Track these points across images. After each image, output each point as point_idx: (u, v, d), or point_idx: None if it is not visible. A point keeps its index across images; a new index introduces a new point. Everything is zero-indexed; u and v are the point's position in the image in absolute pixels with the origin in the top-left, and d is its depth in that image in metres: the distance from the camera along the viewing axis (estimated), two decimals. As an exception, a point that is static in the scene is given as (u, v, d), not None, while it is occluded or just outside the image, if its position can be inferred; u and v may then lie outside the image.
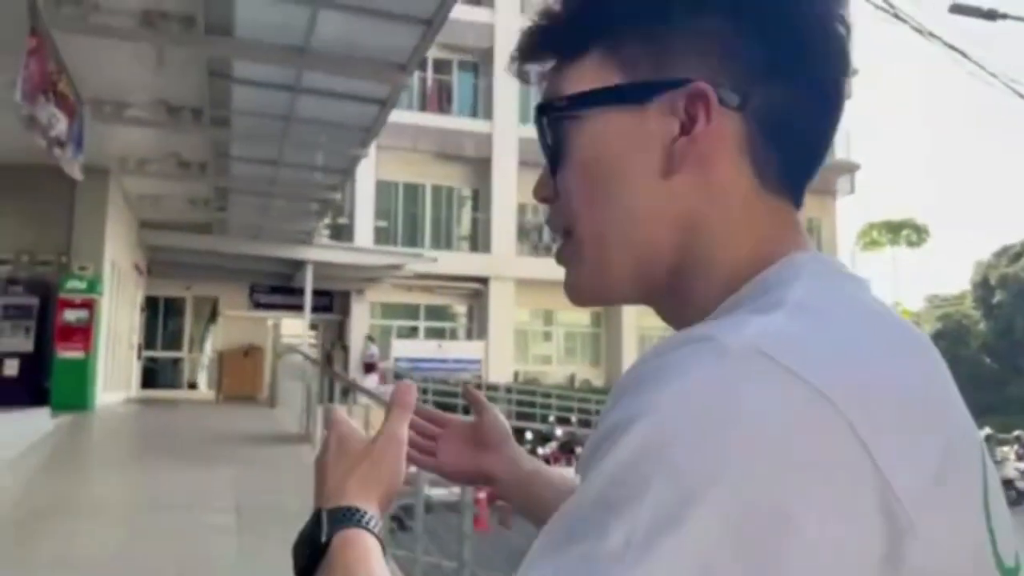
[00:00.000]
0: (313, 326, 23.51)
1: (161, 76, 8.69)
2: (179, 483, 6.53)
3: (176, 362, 23.01)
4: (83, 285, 11.68)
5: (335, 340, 24.58)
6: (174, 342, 23.00)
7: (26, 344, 11.30)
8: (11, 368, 11.06)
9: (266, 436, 9.75)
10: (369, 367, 22.07)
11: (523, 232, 26.80)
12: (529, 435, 17.62)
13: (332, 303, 24.15)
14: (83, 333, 11.51)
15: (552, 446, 16.82)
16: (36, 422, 8.15)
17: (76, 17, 7.07)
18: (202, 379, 23.37)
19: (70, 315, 11.50)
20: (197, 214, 15.63)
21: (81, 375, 11.43)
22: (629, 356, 26.48)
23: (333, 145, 10.67)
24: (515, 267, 25.81)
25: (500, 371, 24.56)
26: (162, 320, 22.50)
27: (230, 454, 8.10)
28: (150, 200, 14.76)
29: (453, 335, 26.39)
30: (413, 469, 0.87)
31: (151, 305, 20.97)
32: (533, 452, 16.24)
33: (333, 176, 12.50)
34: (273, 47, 7.53)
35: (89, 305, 11.60)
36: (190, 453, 8.08)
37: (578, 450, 16.47)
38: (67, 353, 11.32)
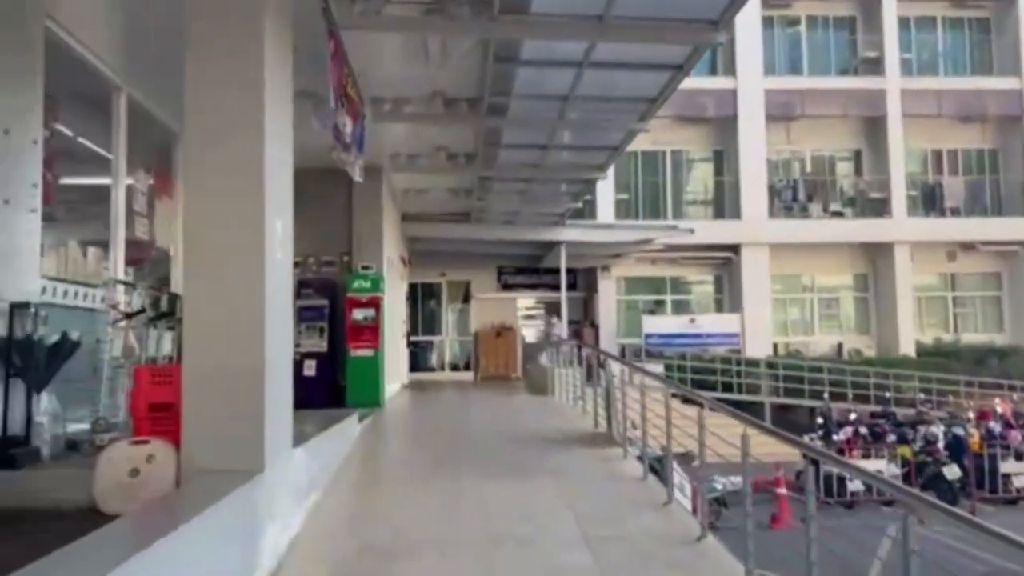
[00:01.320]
0: (546, 304, 23.32)
1: (441, 69, 8.34)
2: (505, 504, 6.08)
3: (435, 345, 23.73)
4: (367, 284, 11.88)
5: (582, 318, 24.18)
6: (432, 326, 23.73)
7: (321, 344, 11.70)
8: (310, 368, 11.47)
9: (565, 436, 9.26)
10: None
11: (775, 193, 24.80)
12: (820, 420, 15.97)
13: (576, 280, 23.72)
14: (371, 331, 11.72)
15: (847, 431, 15.05)
16: (350, 428, 8.21)
17: (369, 12, 6.77)
18: (449, 359, 23.97)
19: (358, 314, 11.74)
20: (457, 204, 15.68)
21: (373, 372, 11.67)
22: (906, 323, 23.77)
23: (610, 121, 9.92)
24: (768, 231, 23.93)
25: (758, 344, 22.93)
26: (420, 306, 23.24)
27: (539, 461, 7.64)
28: (414, 194, 14.95)
29: (703, 308, 25.04)
30: None
31: (410, 292, 21.62)
32: (826, 439, 14.68)
33: (601, 155, 11.79)
34: (569, 20, 6.82)
35: (375, 303, 11.78)
36: (498, 461, 7.72)
37: (890, 438, 14.66)
38: (359, 351, 11.58)
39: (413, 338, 21.81)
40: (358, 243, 12.57)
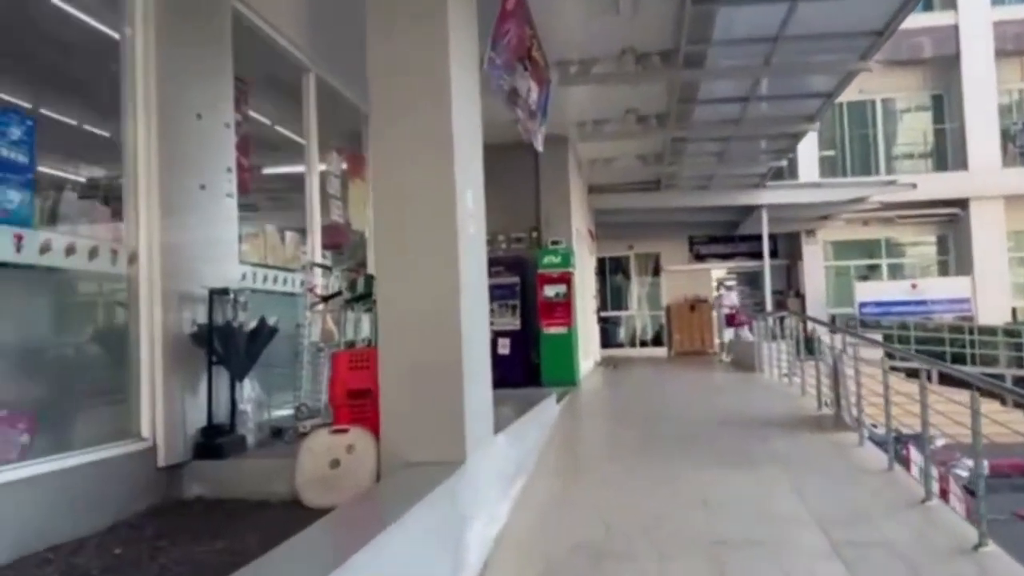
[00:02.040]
0: (743, 274, 21.87)
1: (632, 21, 7.66)
2: (729, 498, 5.38)
3: (624, 320, 23.09)
4: (558, 259, 11.47)
5: (785, 287, 22.55)
6: (621, 301, 23.10)
7: (513, 322, 11.45)
8: (504, 347, 11.25)
9: (785, 418, 8.36)
10: (732, 319, 18.46)
11: (1008, 138, 21.77)
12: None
13: (777, 247, 22.11)
14: (564, 307, 11.32)
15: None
16: (549, 409, 7.81)
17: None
18: (639, 335, 23.17)
19: (550, 290, 11.37)
20: (646, 172, 14.91)
21: (566, 350, 11.27)
22: None
23: (824, 63, 8.77)
24: (1002, 182, 21.05)
25: (993, 310, 20.28)
26: (608, 280, 22.66)
27: (760, 447, 6.84)
28: (601, 163, 14.35)
29: (923, 272, 22.56)
30: None
31: (598, 267, 21.09)
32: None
33: (811, 104, 10.59)
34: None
35: (566, 279, 11.36)
36: (713, 446, 7.00)
37: None
38: (552, 329, 11.22)
39: (603, 314, 21.27)
40: (546, 218, 12.18)
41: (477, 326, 4.49)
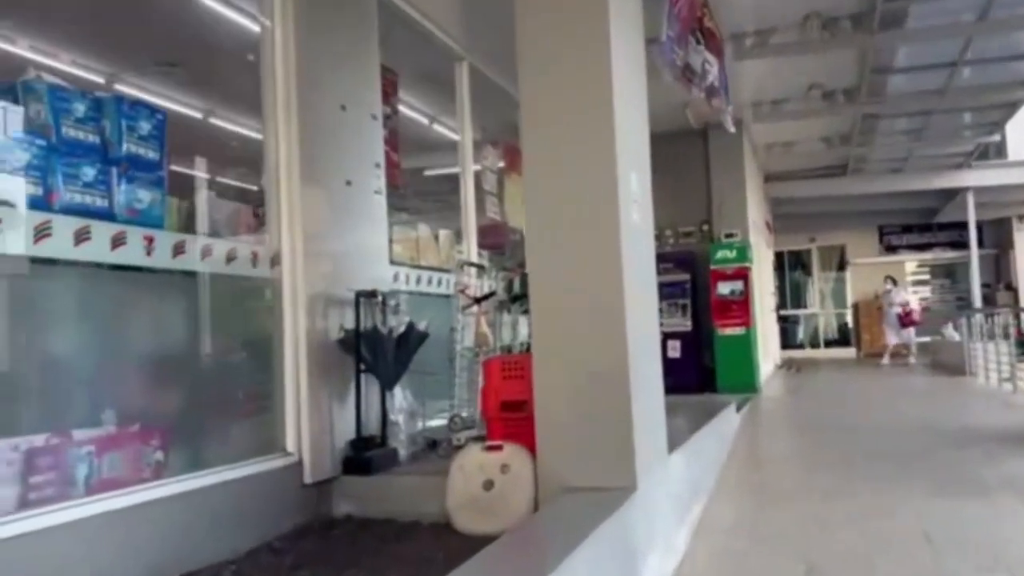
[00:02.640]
0: (939, 267, 19.59)
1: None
2: (958, 535, 4.43)
3: (804, 319, 21.47)
4: (732, 254, 10.58)
5: (993, 280, 20.08)
6: (801, 298, 21.50)
7: (684, 323, 10.66)
8: (674, 350, 10.50)
9: (1011, 432, 7.09)
10: (905, 319, 16.09)
11: None
12: None
13: (982, 235, 19.71)
14: (740, 306, 10.41)
15: None
16: (728, 420, 7.02)
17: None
18: (823, 335, 21.40)
19: (724, 288, 10.50)
20: (830, 155, 13.59)
21: (744, 352, 10.35)
22: None
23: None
24: None
25: None
26: (787, 276, 21.15)
27: (989, 469, 5.74)
28: (779, 148, 13.22)
29: None
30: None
31: (776, 261, 19.70)
32: None
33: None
34: None
35: (743, 275, 10.44)
36: (927, 467, 5.96)
37: None
38: (728, 330, 10.34)
39: (782, 312, 19.83)
40: (718, 210, 11.29)
41: (645, 327, 3.89)
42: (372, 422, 4.45)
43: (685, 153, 11.31)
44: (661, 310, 10.79)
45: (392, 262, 5.13)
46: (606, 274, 3.51)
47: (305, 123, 4.12)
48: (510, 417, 4.04)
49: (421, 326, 4.55)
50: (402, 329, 4.36)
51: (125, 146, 3.13)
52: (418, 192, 6.40)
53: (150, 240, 3.20)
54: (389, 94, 5.25)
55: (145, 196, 3.20)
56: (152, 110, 3.29)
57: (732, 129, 7.77)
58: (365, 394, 4.41)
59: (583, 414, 3.51)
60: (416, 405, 4.72)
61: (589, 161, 3.57)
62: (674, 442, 4.60)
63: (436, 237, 5.90)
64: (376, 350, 4.21)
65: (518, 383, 3.97)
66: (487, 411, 4.09)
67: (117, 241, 3.03)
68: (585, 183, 3.57)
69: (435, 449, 4.69)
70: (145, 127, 3.22)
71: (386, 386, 4.33)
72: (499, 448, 3.87)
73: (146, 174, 3.21)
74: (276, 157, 4.06)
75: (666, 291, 10.85)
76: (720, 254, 10.62)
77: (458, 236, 6.27)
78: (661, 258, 11.19)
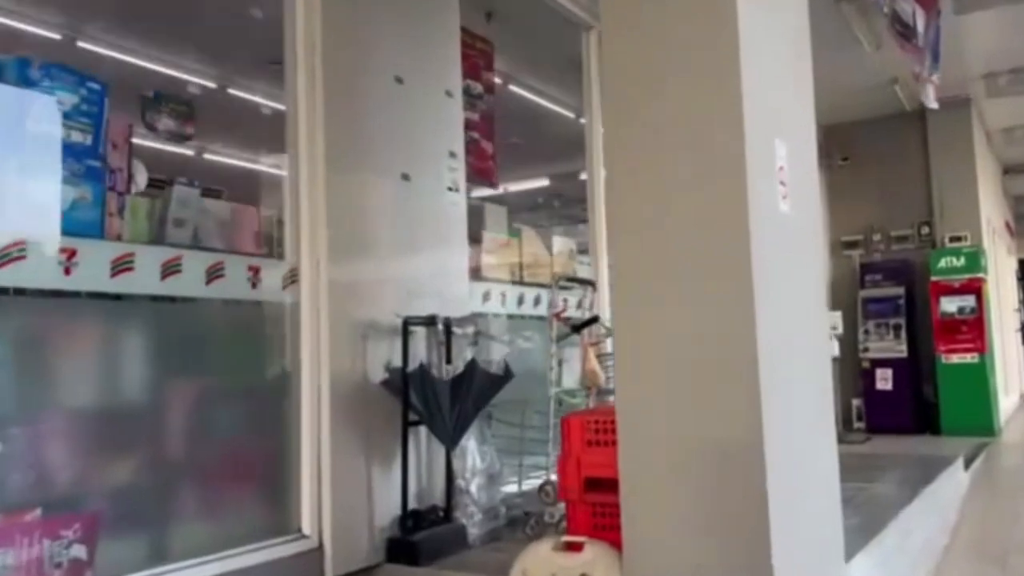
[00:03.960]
0: None
1: None
2: None
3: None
4: (960, 262, 8.51)
5: None
6: (1053, 314, 17.94)
7: (897, 347, 8.68)
8: (884, 380, 8.58)
9: None
10: None
11: None
12: None
13: None
14: (971, 326, 8.32)
15: None
16: (950, 482, 5.25)
17: None
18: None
19: (949, 304, 8.45)
20: (1094, 137, 10.87)
21: (977, 384, 8.24)
22: None
23: None
24: None
25: None
26: (1033, 289, 17.74)
27: None
28: (1022, 132, 10.74)
29: None
30: None
31: (1019, 270, 16.52)
32: None
33: None
34: None
35: (975, 288, 8.35)
36: None
37: None
38: (955, 357, 8.29)
39: (1029, 331, 16.59)
40: (940, 208, 9.19)
41: (799, 374, 2.53)
42: (434, 490, 3.40)
43: (898, 141, 9.37)
44: (867, 332, 8.93)
45: (482, 278, 4.07)
46: (724, 294, 2.23)
47: (334, 93, 3.15)
48: (599, 501, 2.82)
49: (495, 360, 3.43)
50: (460, 368, 3.26)
51: (34, 126, 2.29)
52: (568, 199, 5.33)
53: (70, 254, 2.34)
54: (479, 68, 4.21)
55: (68, 193, 2.35)
56: (82, 78, 2.44)
57: (934, 105, 6.02)
58: (422, 453, 3.37)
59: (691, 508, 2.25)
60: (497, 465, 3.60)
61: (697, 122, 2.30)
62: (861, 535, 3.17)
63: (550, 245, 4.76)
64: (428, 395, 3.15)
65: (612, 451, 2.73)
66: (566, 489, 2.88)
67: (3, 256, 2.19)
68: (692, 156, 2.30)
69: (526, 525, 3.54)
70: (70, 101, 2.38)
71: (445, 442, 3.25)
72: (579, 548, 2.66)
73: (71, 163, 2.37)
74: (296, 139, 3.12)
75: (873, 308, 8.99)
76: (943, 262, 8.57)
77: (583, 249, 5.08)
78: (868, 268, 9.37)
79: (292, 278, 3.05)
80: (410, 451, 3.27)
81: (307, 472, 3.00)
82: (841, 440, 7.57)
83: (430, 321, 3.31)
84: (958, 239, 8.87)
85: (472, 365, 3.19)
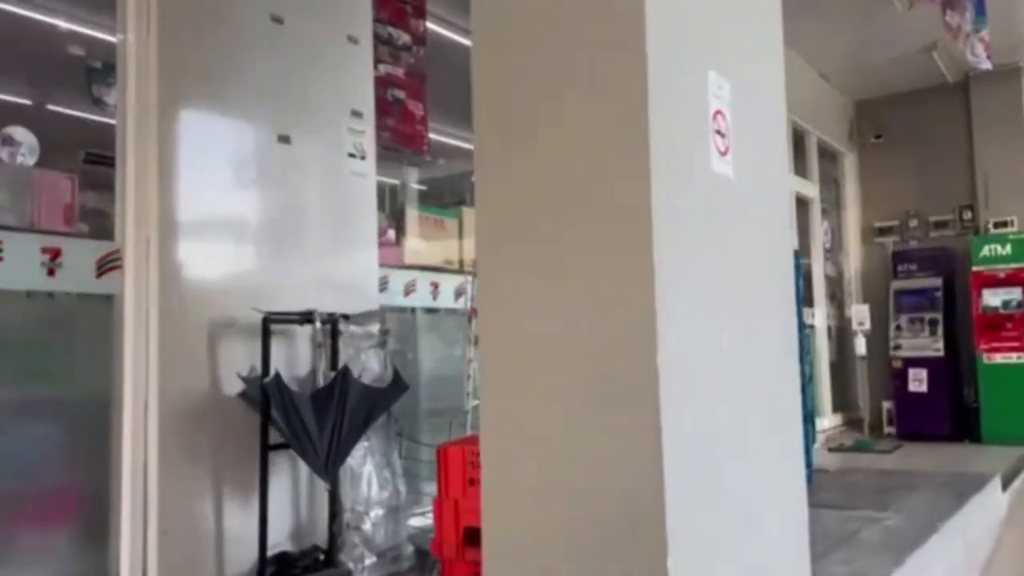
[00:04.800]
0: None
1: None
2: None
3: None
4: (1005, 250, 7.58)
5: None
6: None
7: (933, 345, 7.79)
8: (918, 382, 7.71)
9: None
10: None
11: None
12: None
13: None
14: (1017, 323, 7.40)
15: None
16: (984, 508, 4.44)
17: None
18: None
19: (993, 298, 7.54)
20: None
21: (1023, 388, 7.32)
22: None
23: None
24: None
25: None
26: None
27: None
28: (1080, 106, 9.68)
29: None
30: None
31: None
32: None
33: None
34: None
35: (1022, 280, 7.42)
36: None
37: None
38: (999, 356, 7.39)
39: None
40: (985, 190, 8.24)
41: (736, 390, 1.81)
42: (317, 527, 2.75)
43: (937, 116, 8.45)
44: (899, 327, 8.04)
45: (405, 265, 3.40)
46: (614, 284, 1.53)
47: (176, 25, 2.49)
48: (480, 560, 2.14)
49: (370, 367, 2.75)
50: (329, 378, 2.59)
51: None
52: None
53: None
54: (405, 14, 3.52)
55: None
56: None
57: (986, 65, 5.20)
58: (301, 482, 2.72)
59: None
60: (400, 493, 2.92)
61: (582, 41, 1.61)
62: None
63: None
64: (290, 412, 2.48)
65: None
66: (440, 543, 2.19)
67: None
68: (576, 92, 1.61)
69: (424, 567, 2.86)
70: None
71: (316, 469, 2.58)
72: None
73: None
74: (124, 79, 2.47)
75: (906, 302, 8.11)
76: (986, 250, 7.64)
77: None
78: (901, 257, 8.46)
79: (111, 262, 2.41)
80: (281, 480, 2.62)
81: (128, 508, 2.36)
82: (867, 449, 6.76)
83: (306, 318, 2.65)
84: (1003, 224, 7.91)
85: (343, 375, 2.51)
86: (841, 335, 8.50)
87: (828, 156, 8.71)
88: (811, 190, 8.18)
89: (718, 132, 1.84)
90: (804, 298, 8.19)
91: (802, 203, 8.07)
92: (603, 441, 1.57)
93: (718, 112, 1.83)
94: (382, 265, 3.20)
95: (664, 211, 1.53)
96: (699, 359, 1.62)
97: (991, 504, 4.54)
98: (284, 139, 2.80)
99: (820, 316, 8.16)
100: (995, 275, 7.53)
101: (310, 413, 2.45)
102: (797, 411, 2.14)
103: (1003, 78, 7.94)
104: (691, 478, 1.55)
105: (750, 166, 1.93)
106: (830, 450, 6.96)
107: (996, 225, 7.96)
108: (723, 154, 1.85)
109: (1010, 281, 7.46)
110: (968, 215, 8.36)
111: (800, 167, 8.03)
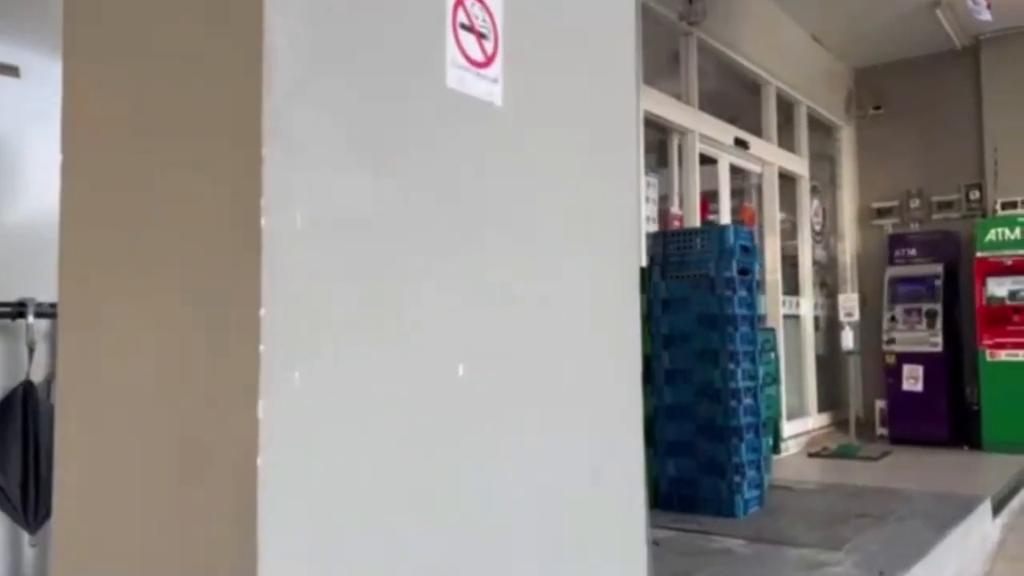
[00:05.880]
0: None
1: None
2: None
3: None
4: (1014, 234, 6.79)
5: None
6: None
7: (931, 339, 7.01)
8: (913, 379, 6.95)
9: None
10: None
11: None
12: None
13: None
14: (1012, 316, 6.63)
15: None
16: (972, 535, 3.70)
17: None
18: None
19: (997, 287, 6.81)
20: None
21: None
22: None
23: None
24: None
25: None
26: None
27: None
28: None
29: None
30: None
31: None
32: None
33: None
34: None
35: (1027, 267, 6.65)
36: None
37: None
38: (1003, 353, 6.63)
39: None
40: (995, 167, 7.43)
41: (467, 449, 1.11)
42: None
43: (943, 85, 7.67)
44: (894, 319, 7.27)
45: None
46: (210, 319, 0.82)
47: None
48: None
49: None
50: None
51: None
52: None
53: None
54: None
55: None
56: None
57: (986, 17, 4.43)
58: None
59: None
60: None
61: None
62: None
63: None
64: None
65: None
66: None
67: None
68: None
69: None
70: None
71: (15, 518, 1.91)
72: None
73: None
74: None
75: (902, 290, 7.34)
76: (993, 234, 6.85)
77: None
78: (898, 241, 7.66)
79: None
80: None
81: None
82: (851, 455, 5.98)
83: (18, 312, 1.96)
84: (1013, 205, 7.13)
85: (26, 389, 1.83)
86: (831, 326, 7.73)
87: (822, 129, 7.92)
88: (799, 166, 7.40)
89: (477, 33, 1.12)
90: (792, 286, 7.47)
91: (788, 180, 7.30)
92: (184, 523, 0.89)
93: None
94: None
95: (273, 152, 0.83)
96: (373, 402, 0.92)
97: (976, 537, 3.81)
98: (11, 70, 2.10)
99: (806, 305, 7.41)
100: (1002, 262, 6.74)
101: (-6, 440, 1.78)
102: (636, 450, 1.43)
103: (1017, 41, 7.13)
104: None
105: (549, 88, 1.21)
106: (810, 455, 6.26)
107: (1005, 206, 7.17)
108: (487, 65, 1.14)
109: (1018, 269, 6.67)
110: (975, 194, 7.57)
111: (787, 140, 7.25)
